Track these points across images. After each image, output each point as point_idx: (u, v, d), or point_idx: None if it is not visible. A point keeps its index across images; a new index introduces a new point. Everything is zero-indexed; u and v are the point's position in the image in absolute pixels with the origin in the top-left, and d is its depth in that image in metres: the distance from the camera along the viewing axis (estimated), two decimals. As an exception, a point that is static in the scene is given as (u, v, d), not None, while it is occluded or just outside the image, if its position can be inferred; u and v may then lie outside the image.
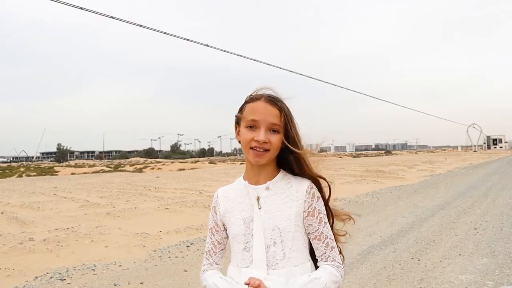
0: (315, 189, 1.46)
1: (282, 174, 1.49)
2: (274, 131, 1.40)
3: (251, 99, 1.46)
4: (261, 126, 1.39)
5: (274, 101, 1.43)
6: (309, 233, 1.45)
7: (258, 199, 1.45)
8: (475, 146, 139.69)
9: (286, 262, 1.40)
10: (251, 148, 1.40)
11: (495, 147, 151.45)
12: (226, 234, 1.55)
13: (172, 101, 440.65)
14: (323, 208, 1.45)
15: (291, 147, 1.42)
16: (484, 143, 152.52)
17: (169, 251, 6.27)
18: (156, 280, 4.91)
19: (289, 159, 1.47)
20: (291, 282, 1.35)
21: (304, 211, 1.43)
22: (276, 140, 1.40)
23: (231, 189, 1.55)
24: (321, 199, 1.46)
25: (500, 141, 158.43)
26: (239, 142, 1.49)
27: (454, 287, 4.25)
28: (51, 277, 5.11)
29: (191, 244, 6.73)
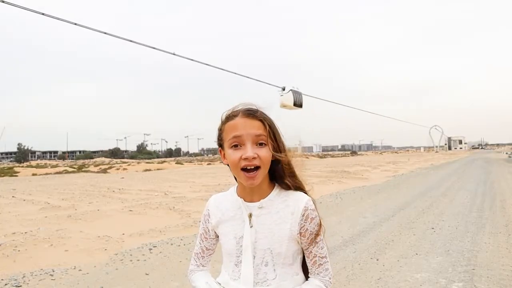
0: (310, 210, 1.38)
1: (277, 190, 1.42)
2: (260, 144, 1.32)
3: (227, 118, 1.37)
4: (246, 141, 1.30)
5: (252, 113, 1.34)
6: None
7: (250, 216, 1.39)
8: (436, 147, 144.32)
9: (277, 281, 1.37)
10: (242, 169, 1.31)
11: (455, 148, 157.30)
12: (216, 240, 1.54)
13: (139, 100, 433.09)
14: (316, 229, 1.39)
15: (279, 156, 1.36)
16: (445, 144, 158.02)
17: (131, 254, 6.18)
18: (116, 284, 4.83)
19: (277, 168, 1.40)
20: None
21: (296, 233, 1.38)
22: (265, 153, 1.31)
23: (224, 199, 1.49)
24: (315, 219, 1.39)
25: (460, 142, 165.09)
26: (228, 165, 1.42)
27: (409, 285, 4.41)
28: (5, 284, 4.94)
29: (154, 247, 6.65)
